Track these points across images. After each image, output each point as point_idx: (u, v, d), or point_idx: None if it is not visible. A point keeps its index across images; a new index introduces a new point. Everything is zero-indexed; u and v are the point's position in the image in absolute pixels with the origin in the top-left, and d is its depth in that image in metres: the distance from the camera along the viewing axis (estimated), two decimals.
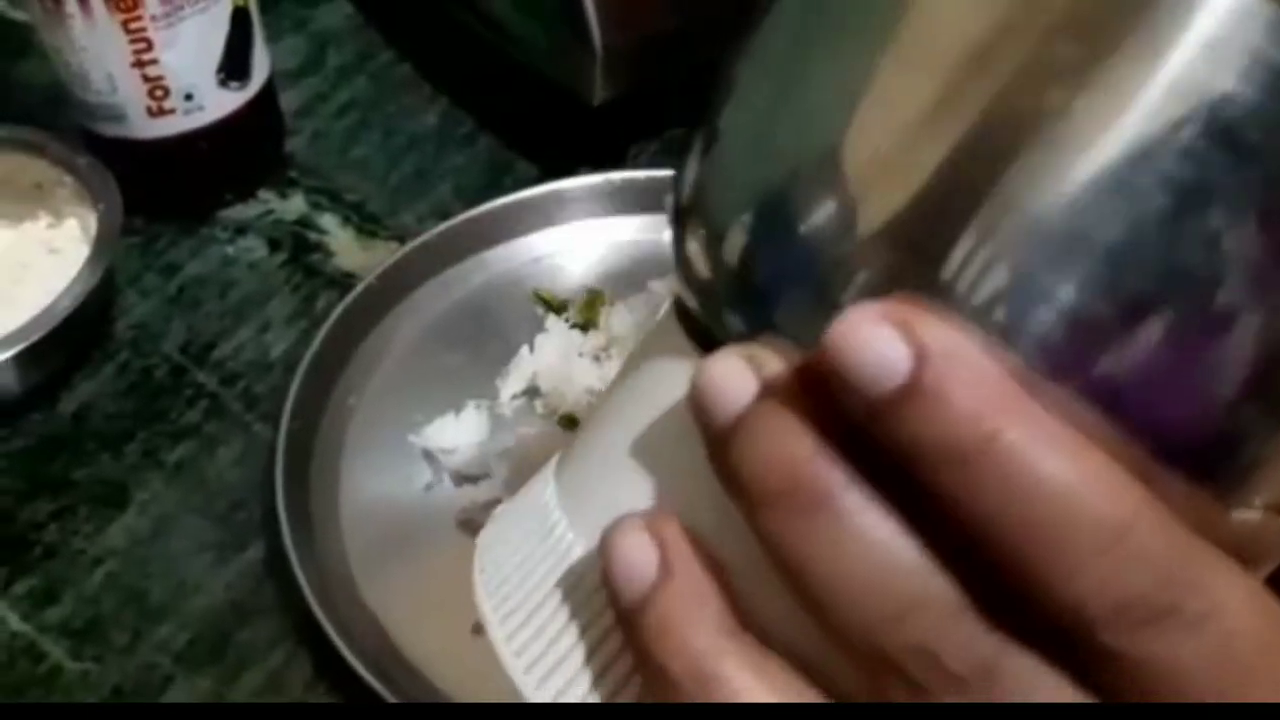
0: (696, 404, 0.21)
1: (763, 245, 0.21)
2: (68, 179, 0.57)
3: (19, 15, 0.68)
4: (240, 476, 0.52)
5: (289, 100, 0.65)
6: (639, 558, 0.22)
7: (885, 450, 0.19)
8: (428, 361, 0.55)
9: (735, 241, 0.22)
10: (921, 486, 0.19)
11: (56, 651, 0.46)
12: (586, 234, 0.59)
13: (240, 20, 0.57)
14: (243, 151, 0.61)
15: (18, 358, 0.51)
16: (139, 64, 0.55)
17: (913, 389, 0.18)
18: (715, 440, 0.21)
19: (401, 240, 0.59)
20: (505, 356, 0.54)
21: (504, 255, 0.58)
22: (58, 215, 0.58)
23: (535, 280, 0.57)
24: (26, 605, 0.48)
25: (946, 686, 0.19)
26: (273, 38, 0.62)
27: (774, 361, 0.21)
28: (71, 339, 0.54)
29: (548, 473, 0.26)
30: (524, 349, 0.54)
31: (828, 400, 0.19)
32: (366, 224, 0.61)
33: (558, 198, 0.59)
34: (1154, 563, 0.18)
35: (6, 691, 0.45)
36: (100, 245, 0.55)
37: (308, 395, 0.51)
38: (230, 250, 0.60)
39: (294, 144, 0.64)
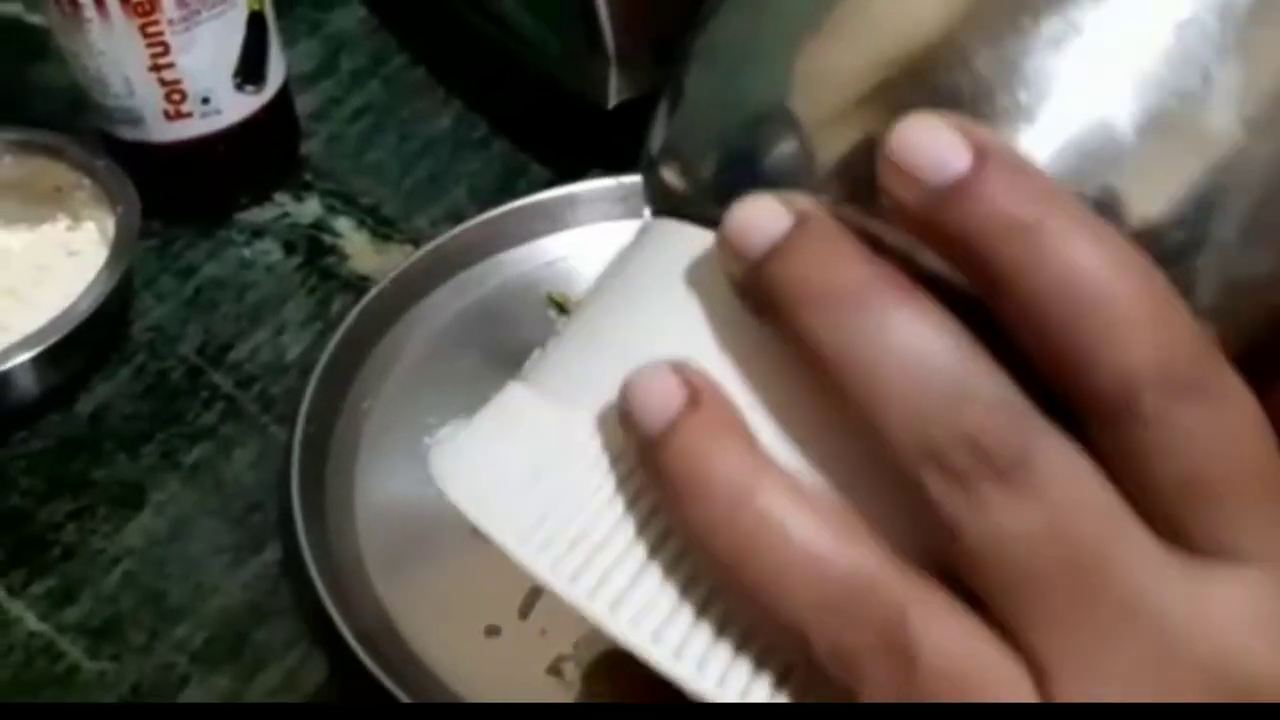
0: (730, 241, 0.21)
1: (732, 180, 0.23)
2: (86, 182, 0.58)
3: (37, 19, 0.68)
4: (256, 478, 0.52)
5: (304, 104, 0.66)
6: (664, 395, 0.21)
7: (936, 247, 0.20)
8: (442, 364, 0.55)
9: (708, 172, 0.23)
10: (972, 279, 0.20)
11: (74, 651, 0.47)
12: (600, 237, 0.59)
13: (256, 24, 0.58)
14: (259, 155, 0.61)
15: (36, 359, 0.52)
16: (156, 68, 0.55)
17: (975, 177, 0.19)
18: (750, 270, 0.21)
19: (416, 243, 0.59)
20: (519, 359, 0.54)
21: (518, 258, 0.59)
22: (76, 218, 0.58)
23: (549, 283, 0.58)
24: (45, 605, 0.48)
25: (985, 475, 0.19)
26: (288, 42, 0.63)
27: (805, 200, 0.21)
28: (90, 341, 0.54)
29: (511, 383, 0.25)
30: (537, 352, 0.54)
31: (862, 233, 0.21)
32: (381, 227, 0.61)
33: (571, 201, 0.59)
34: (1188, 340, 0.20)
35: (24, 691, 0.46)
36: (118, 248, 0.55)
37: (323, 398, 0.52)
38: (246, 253, 0.60)
39: (309, 147, 0.65)
